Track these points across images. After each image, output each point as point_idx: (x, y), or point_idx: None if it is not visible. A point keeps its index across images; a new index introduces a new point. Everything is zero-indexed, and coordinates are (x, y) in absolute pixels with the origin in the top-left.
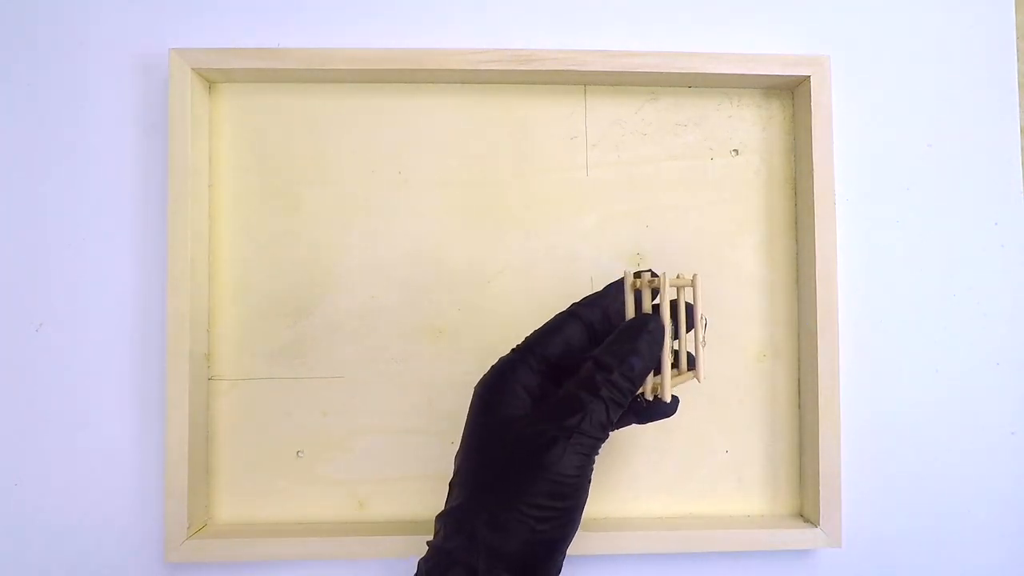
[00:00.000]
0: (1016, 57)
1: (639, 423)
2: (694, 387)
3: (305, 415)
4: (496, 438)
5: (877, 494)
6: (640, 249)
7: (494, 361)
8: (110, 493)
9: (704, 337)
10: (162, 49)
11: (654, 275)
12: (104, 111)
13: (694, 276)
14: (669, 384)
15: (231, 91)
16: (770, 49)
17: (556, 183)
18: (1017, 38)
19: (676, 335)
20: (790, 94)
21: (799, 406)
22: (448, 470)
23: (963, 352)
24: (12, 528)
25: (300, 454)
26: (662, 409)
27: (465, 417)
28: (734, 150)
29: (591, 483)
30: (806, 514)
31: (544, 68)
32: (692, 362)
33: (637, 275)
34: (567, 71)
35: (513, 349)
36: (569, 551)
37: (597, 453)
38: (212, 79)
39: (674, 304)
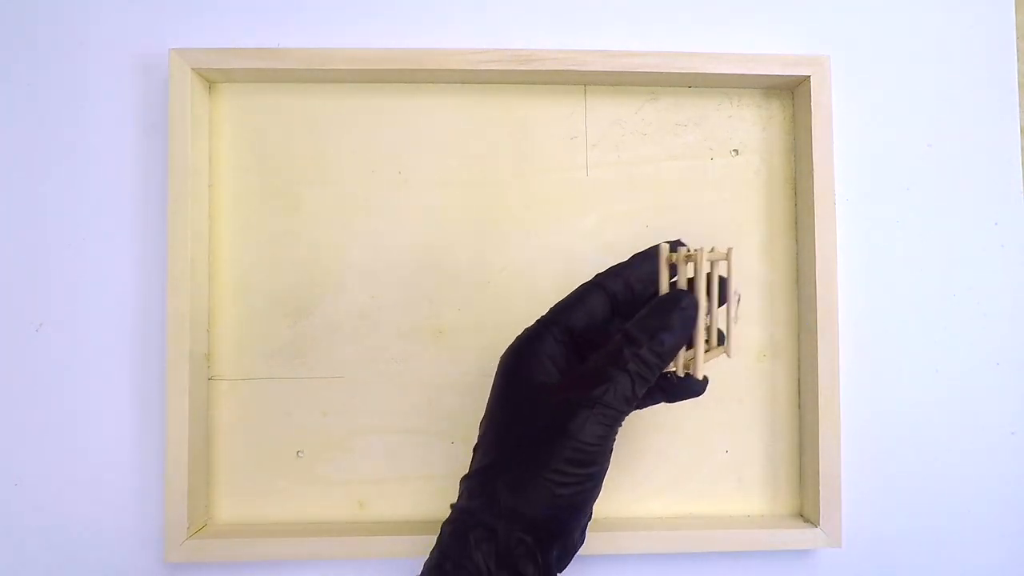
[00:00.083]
0: (1016, 57)
1: (667, 401)
2: None
3: (305, 415)
4: (520, 404)
5: (877, 494)
6: (640, 249)
7: (494, 361)
8: (110, 493)
9: (736, 313)
10: (162, 49)
11: (681, 246)
12: (104, 111)
13: (728, 250)
14: (702, 361)
15: (231, 91)
16: (770, 49)
17: (556, 183)
18: (1017, 38)
19: (708, 310)
20: (790, 94)
21: (799, 406)
22: (448, 470)
23: (963, 352)
24: (12, 528)
25: (300, 454)
26: (692, 387)
27: (466, 412)
28: (734, 150)
29: (613, 452)
30: (806, 514)
31: (544, 68)
32: (722, 338)
33: (673, 248)
34: (567, 71)
35: (538, 320)
36: None
37: (620, 425)
38: (212, 79)
39: (707, 277)
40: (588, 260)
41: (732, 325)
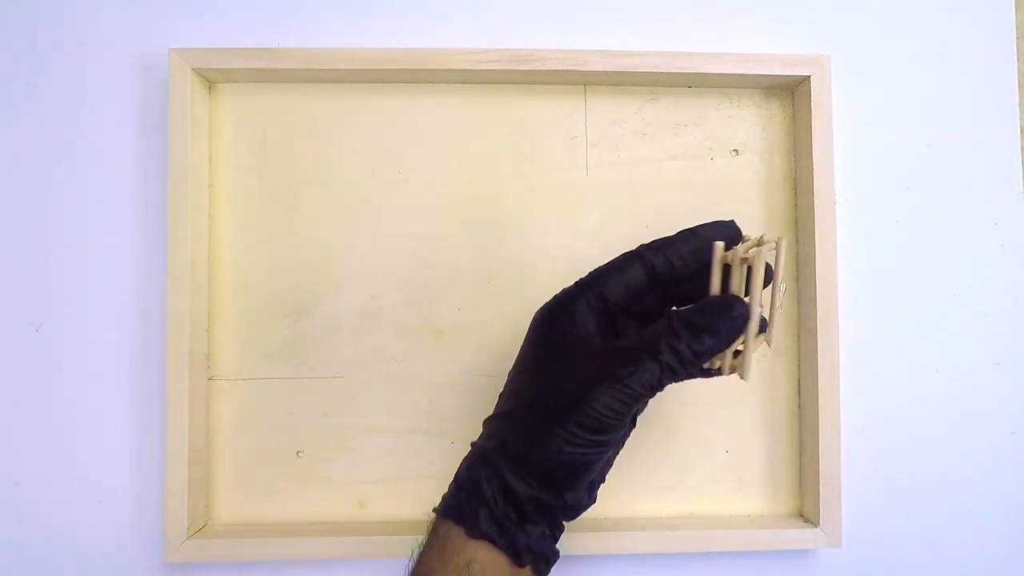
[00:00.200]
0: (1016, 57)
1: (704, 377)
2: (695, 387)
3: (305, 415)
4: (546, 360)
5: (877, 494)
6: None
7: (494, 361)
8: (110, 493)
9: (781, 302)
10: (162, 49)
11: (733, 240)
12: (104, 111)
13: (779, 239)
14: (752, 366)
15: (231, 91)
16: (770, 49)
17: (556, 183)
18: (1017, 38)
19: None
20: (790, 94)
21: (799, 406)
22: (448, 470)
23: (963, 352)
24: (12, 528)
25: (300, 454)
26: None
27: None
28: (734, 150)
29: (634, 426)
30: (806, 514)
31: (544, 68)
32: (763, 325)
33: (728, 245)
34: (567, 71)
35: (576, 282)
36: (569, 551)
37: (643, 404)
38: (212, 79)
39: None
40: (588, 260)
41: (775, 313)
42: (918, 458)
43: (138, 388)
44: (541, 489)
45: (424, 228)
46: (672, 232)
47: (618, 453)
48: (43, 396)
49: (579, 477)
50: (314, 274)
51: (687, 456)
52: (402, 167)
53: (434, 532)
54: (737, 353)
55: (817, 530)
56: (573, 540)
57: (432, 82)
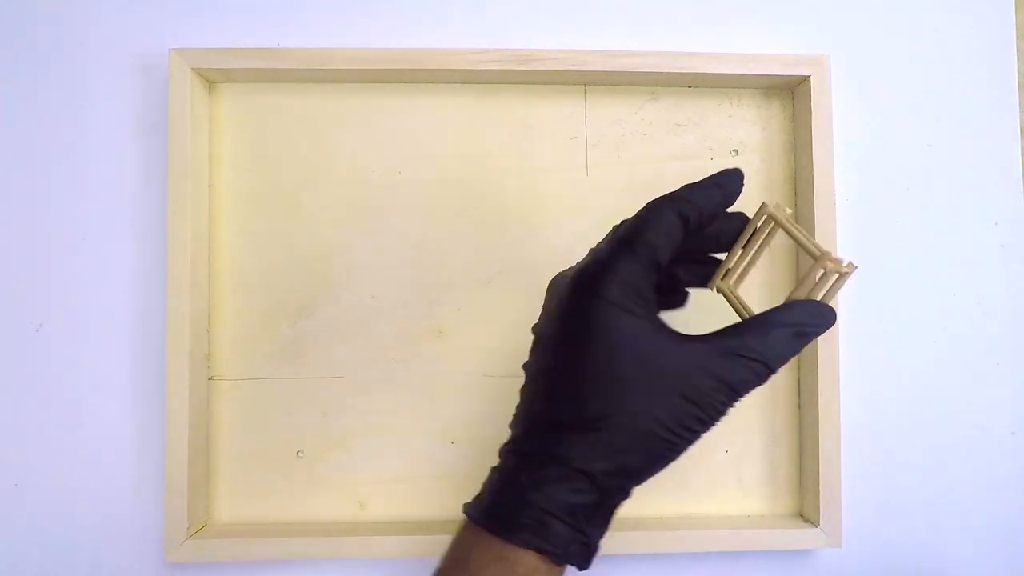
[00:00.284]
0: (1016, 57)
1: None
2: None
3: (305, 415)
4: (600, 334)
5: (877, 494)
6: None
7: (494, 361)
8: (110, 493)
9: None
10: (162, 49)
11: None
12: (104, 111)
13: (776, 205)
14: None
15: (231, 91)
16: (770, 49)
17: (556, 183)
18: (1017, 38)
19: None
20: (790, 94)
21: (799, 406)
22: (448, 470)
23: (963, 352)
24: (12, 528)
25: (300, 454)
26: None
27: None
28: (734, 150)
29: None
30: (806, 514)
31: (544, 68)
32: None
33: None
34: (567, 71)
35: (618, 241)
36: None
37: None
38: (212, 79)
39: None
40: None
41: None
42: (918, 458)
43: (138, 388)
44: (608, 494)
45: (424, 228)
46: None
47: None
48: (43, 396)
49: (659, 470)
50: (314, 274)
51: (687, 456)
52: (402, 167)
53: (513, 561)
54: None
55: (817, 530)
56: None
57: (432, 82)
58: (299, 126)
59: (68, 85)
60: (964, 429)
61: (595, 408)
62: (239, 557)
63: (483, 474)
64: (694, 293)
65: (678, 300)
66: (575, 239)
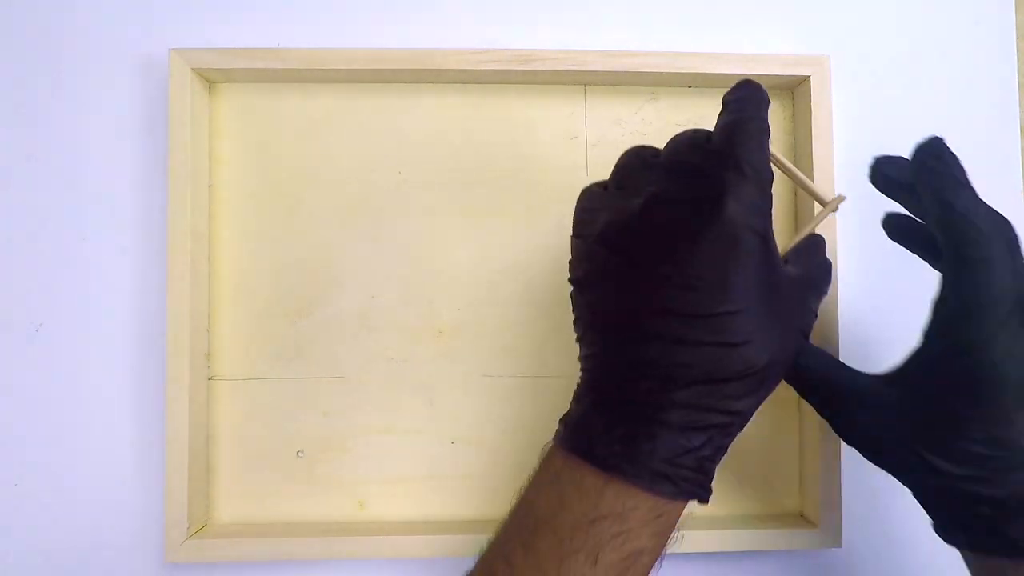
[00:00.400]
0: (1016, 57)
1: None
2: None
3: (305, 415)
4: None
5: (877, 494)
6: None
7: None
8: (110, 493)
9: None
10: (162, 49)
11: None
12: (104, 111)
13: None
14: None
15: (231, 91)
16: (770, 49)
17: (556, 183)
18: (1017, 38)
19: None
20: (790, 94)
21: (799, 406)
22: (448, 470)
23: None
24: (12, 528)
25: (300, 454)
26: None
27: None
28: None
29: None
30: (806, 514)
31: (544, 68)
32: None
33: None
34: (567, 71)
35: (736, 167)
36: None
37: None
38: (212, 79)
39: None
40: None
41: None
42: None
43: (138, 388)
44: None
45: (424, 228)
46: None
47: None
48: (43, 396)
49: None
50: (314, 274)
51: None
52: (402, 167)
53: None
54: None
55: (817, 530)
56: None
57: (432, 82)
58: (299, 126)
59: (68, 85)
60: None
61: (739, 336)
62: (239, 557)
63: (483, 474)
64: None
65: None
66: None
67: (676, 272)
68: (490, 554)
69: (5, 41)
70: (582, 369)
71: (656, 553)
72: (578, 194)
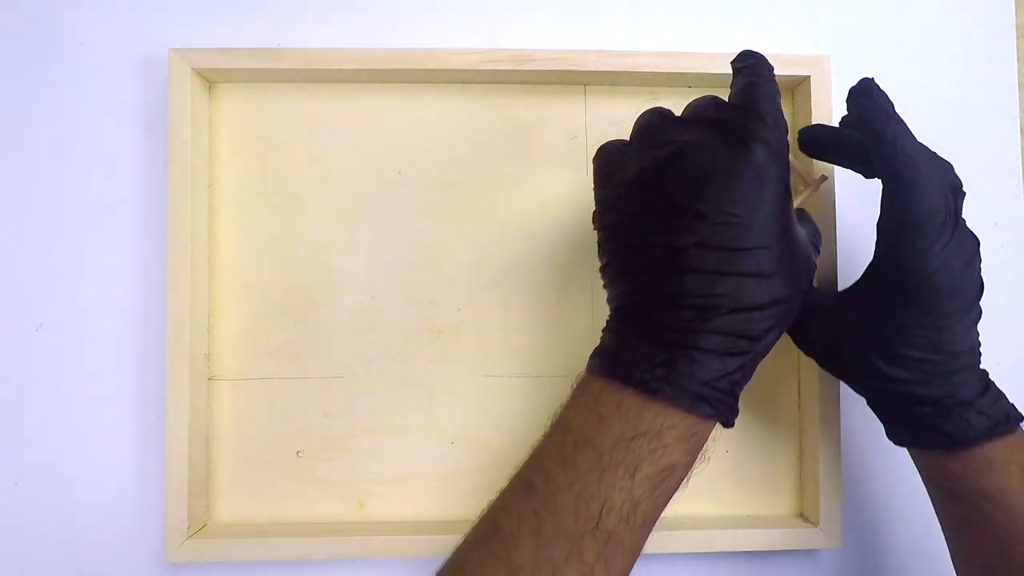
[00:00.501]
0: (1016, 57)
1: None
2: None
3: (305, 415)
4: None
5: (877, 494)
6: None
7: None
8: (110, 493)
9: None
10: (162, 49)
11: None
12: (104, 111)
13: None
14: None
15: (231, 91)
16: (770, 49)
17: (556, 183)
18: (1017, 38)
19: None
20: (790, 94)
21: (799, 406)
22: (448, 470)
23: None
24: (12, 528)
25: (300, 454)
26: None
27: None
28: None
29: None
30: (806, 514)
31: (544, 68)
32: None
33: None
34: (567, 71)
35: (774, 139)
36: None
37: None
38: (212, 79)
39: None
40: (589, 260)
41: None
42: None
43: (138, 388)
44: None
45: (424, 228)
46: None
47: None
48: (43, 396)
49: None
50: (314, 274)
51: None
52: (402, 167)
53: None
54: None
55: (817, 530)
56: None
57: (432, 82)
58: (299, 126)
59: (68, 85)
60: None
61: (768, 268)
62: (239, 557)
63: (483, 474)
64: None
65: None
66: (575, 239)
67: (713, 210)
68: (525, 471)
69: (5, 41)
70: (614, 307)
71: (686, 469)
72: (578, 194)
